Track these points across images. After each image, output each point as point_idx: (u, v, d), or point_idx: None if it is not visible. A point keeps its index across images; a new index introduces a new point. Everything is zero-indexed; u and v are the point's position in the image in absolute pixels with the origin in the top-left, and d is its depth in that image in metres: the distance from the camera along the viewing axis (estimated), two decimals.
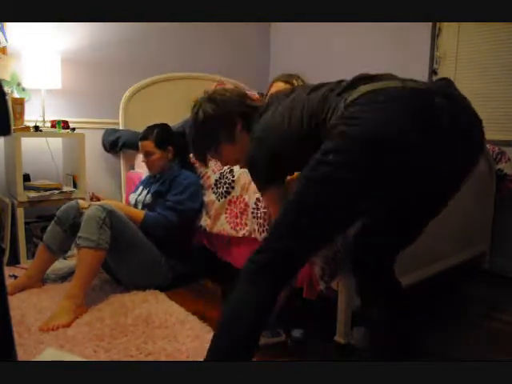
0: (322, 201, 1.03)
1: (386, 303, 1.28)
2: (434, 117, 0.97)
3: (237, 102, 1.32)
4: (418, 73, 2.76)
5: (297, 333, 1.64)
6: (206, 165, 1.48)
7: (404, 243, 1.27)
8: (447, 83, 1.09)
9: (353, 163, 0.98)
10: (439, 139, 0.98)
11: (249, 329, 1.07)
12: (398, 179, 1.02)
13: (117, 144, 2.88)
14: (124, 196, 2.95)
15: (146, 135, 2.25)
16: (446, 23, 2.66)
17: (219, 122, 1.30)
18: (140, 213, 2.08)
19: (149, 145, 2.22)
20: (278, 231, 1.11)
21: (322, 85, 1.19)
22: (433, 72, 2.73)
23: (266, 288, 1.08)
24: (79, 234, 1.84)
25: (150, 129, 2.27)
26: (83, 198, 2.54)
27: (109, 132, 2.95)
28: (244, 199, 1.90)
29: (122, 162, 3.03)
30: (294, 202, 1.08)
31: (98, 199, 2.15)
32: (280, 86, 2.13)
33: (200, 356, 1.48)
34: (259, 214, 1.79)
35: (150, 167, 2.28)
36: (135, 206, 2.23)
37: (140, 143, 2.26)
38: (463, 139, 1.03)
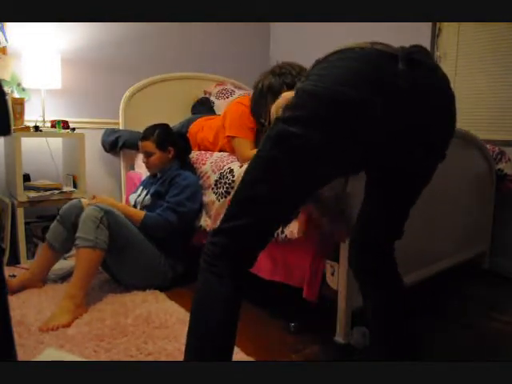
0: (276, 162, 0.95)
1: (388, 297, 1.23)
2: (391, 81, 0.94)
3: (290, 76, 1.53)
4: None
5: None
6: (265, 124, 1.61)
7: (394, 221, 1.23)
8: (420, 50, 1.06)
9: (306, 118, 0.93)
10: (396, 101, 0.94)
11: (219, 322, 1.00)
12: (352, 136, 0.95)
13: (116, 144, 2.88)
14: (124, 196, 2.95)
15: (146, 135, 2.25)
16: (446, 23, 2.67)
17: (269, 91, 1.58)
18: (140, 213, 2.08)
19: (149, 145, 2.23)
20: (234, 207, 1.01)
21: None
22: None
23: (228, 274, 0.99)
24: (77, 235, 1.84)
25: (151, 129, 2.27)
26: (84, 198, 2.55)
27: (108, 132, 2.95)
28: None
29: (121, 161, 3.03)
30: (249, 169, 1.00)
31: (98, 200, 2.14)
32: None
33: None
34: None
35: (149, 167, 2.28)
36: (135, 206, 2.23)
37: (140, 143, 2.27)
38: (425, 107, 0.98)
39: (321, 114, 0.93)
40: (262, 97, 1.63)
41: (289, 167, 0.95)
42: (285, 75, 1.56)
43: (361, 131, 0.95)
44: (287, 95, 1.23)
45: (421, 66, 0.99)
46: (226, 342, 1.02)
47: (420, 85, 0.97)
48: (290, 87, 1.42)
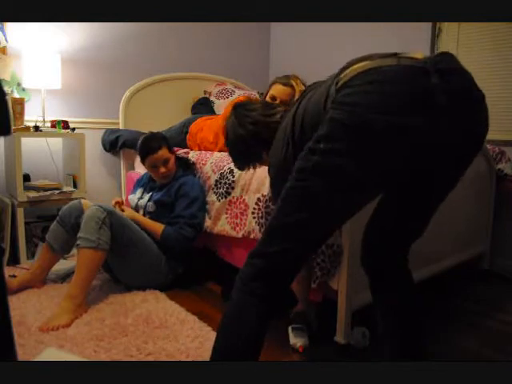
0: (315, 192, 0.97)
1: (400, 297, 1.22)
2: (428, 97, 0.92)
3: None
4: None
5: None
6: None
7: (415, 229, 1.23)
8: (446, 58, 1.01)
9: (345, 150, 0.93)
10: (436, 118, 0.93)
11: (246, 341, 1.02)
12: (393, 162, 0.96)
13: (116, 143, 2.88)
14: (124, 196, 2.95)
15: (157, 146, 2.13)
16: (446, 23, 2.67)
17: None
18: (158, 227, 2.07)
19: (165, 152, 2.15)
20: (272, 232, 1.05)
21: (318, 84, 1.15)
22: None
23: (261, 295, 1.02)
24: (79, 235, 1.84)
25: (155, 140, 2.17)
26: (83, 199, 2.55)
27: (109, 132, 2.95)
28: (244, 200, 1.90)
29: (121, 161, 3.03)
30: (287, 197, 1.02)
31: (122, 209, 2.10)
32: (279, 88, 2.13)
33: (200, 356, 1.48)
34: (260, 214, 1.79)
35: (168, 175, 2.18)
36: (135, 209, 2.22)
37: (153, 156, 2.13)
38: (463, 116, 0.97)
39: (360, 146, 0.92)
40: (250, 147, 1.37)
41: (328, 197, 0.97)
42: (249, 117, 1.36)
43: (402, 158, 0.95)
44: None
45: (452, 75, 0.97)
46: (250, 358, 1.03)
47: (457, 96, 0.95)
48: (260, 124, 1.31)
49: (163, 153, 2.14)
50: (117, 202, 2.13)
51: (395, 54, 0.99)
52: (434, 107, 0.92)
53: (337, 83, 0.98)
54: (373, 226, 1.22)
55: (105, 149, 2.98)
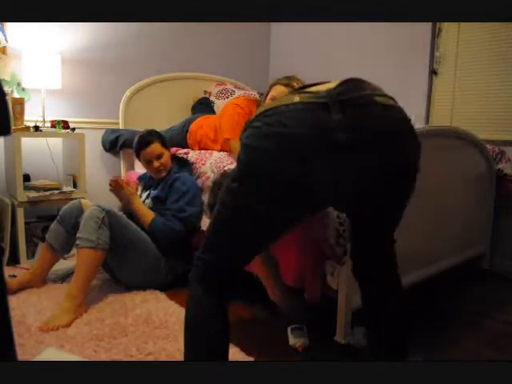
0: (233, 224, 1.05)
1: (386, 299, 1.23)
2: (327, 136, 0.90)
3: None
4: (418, 73, 2.77)
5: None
6: None
7: (384, 232, 1.22)
8: (349, 87, 0.95)
9: (248, 192, 0.99)
10: (337, 158, 0.92)
11: (208, 339, 1.06)
12: (297, 204, 1.00)
13: (116, 143, 2.88)
14: None
15: (149, 140, 2.19)
16: (446, 23, 2.67)
17: None
18: (149, 215, 2.07)
19: (157, 147, 2.19)
20: (205, 243, 1.12)
21: None
22: (433, 72, 2.74)
23: (207, 298, 1.08)
24: (78, 235, 1.84)
25: (147, 134, 2.22)
26: (84, 198, 2.55)
27: (108, 132, 2.95)
28: None
29: (121, 161, 3.03)
30: (214, 220, 1.10)
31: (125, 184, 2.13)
32: (280, 89, 2.13)
33: None
34: None
35: (161, 170, 2.21)
36: None
37: (145, 151, 2.18)
38: (369, 152, 0.94)
39: (258, 190, 0.97)
40: None
41: (244, 229, 1.05)
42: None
43: (304, 199, 0.98)
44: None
45: (355, 106, 0.92)
46: (218, 351, 1.07)
47: (357, 131, 0.91)
48: None
49: (155, 147, 2.18)
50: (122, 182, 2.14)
51: (301, 88, 0.99)
52: (334, 147, 0.90)
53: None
54: (352, 238, 1.25)
55: (105, 149, 2.98)
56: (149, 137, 2.20)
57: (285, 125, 0.91)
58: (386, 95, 0.98)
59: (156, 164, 2.19)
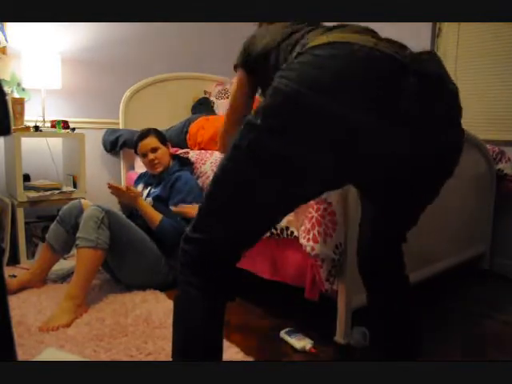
0: (247, 179, 0.84)
1: (394, 299, 1.20)
2: (391, 100, 0.79)
3: None
4: None
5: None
6: None
7: (400, 231, 1.18)
8: (433, 58, 0.86)
9: (282, 126, 0.80)
10: (393, 125, 0.81)
11: (199, 337, 0.92)
12: (334, 153, 0.82)
13: (117, 143, 2.88)
14: None
15: (146, 134, 2.25)
16: (446, 23, 2.67)
17: None
18: (157, 216, 2.06)
19: (153, 140, 2.23)
20: (200, 218, 0.92)
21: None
22: None
23: (202, 288, 0.91)
24: (78, 235, 1.84)
25: (147, 129, 2.28)
26: (84, 198, 2.55)
27: (109, 132, 2.96)
28: None
29: (122, 162, 3.03)
30: (218, 180, 0.90)
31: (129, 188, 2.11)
32: None
33: None
34: None
35: (157, 164, 2.23)
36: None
37: (141, 143, 2.23)
38: (431, 132, 0.85)
39: (296, 125, 0.80)
40: None
41: (262, 187, 0.85)
42: None
43: (342, 150, 0.82)
44: None
45: (431, 79, 0.83)
46: (207, 353, 0.94)
47: (426, 106, 0.82)
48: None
49: (151, 140, 2.23)
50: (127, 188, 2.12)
51: (375, 33, 0.88)
52: (393, 113, 0.80)
53: (303, 45, 0.89)
54: (362, 232, 1.21)
55: (105, 149, 2.98)
56: (147, 131, 2.27)
57: (350, 62, 0.79)
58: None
59: (151, 156, 2.22)
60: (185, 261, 0.93)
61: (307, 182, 0.86)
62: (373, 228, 1.15)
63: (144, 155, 2.24)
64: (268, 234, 1.73)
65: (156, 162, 2.22)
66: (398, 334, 1.17)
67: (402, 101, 0.80)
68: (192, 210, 2.02)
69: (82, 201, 2.11)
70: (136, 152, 2.30)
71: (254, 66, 1.18)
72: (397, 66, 0.80)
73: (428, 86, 0.82)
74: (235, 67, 1.25)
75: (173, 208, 2.08)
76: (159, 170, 2.25)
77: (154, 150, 2.22)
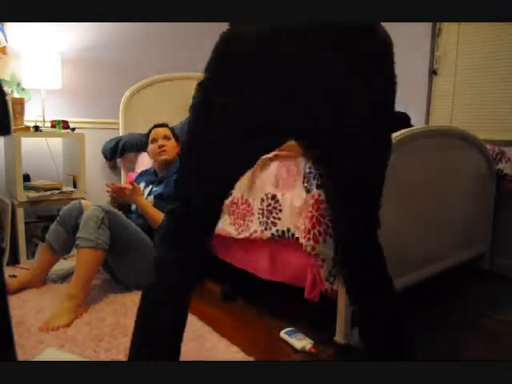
0: (202, 135, 0.98)
1: (377, 298, 1.15)
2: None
3: None
4: (418, 73, 2.77)
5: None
6: None
7: (358, 215, 1.13)
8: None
9: (215, 83, 0.96)
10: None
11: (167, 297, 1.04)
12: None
13: (117, 149, 2.88)
14: None
15: (162, 124, 2.37)
16: (446, 23, 2.67)
17: None
18: (159, 215, 2.04)
19: (167, 131, 2.33)
20: (177, 183, 1.05)
21: None
22: (433, 72, 2.74)
23: (179, 250, 1.02)
24: (78, 235, 1.84)
25: (162, 123, 2.39)
26: (83, 199, 2.55)
27: (108, 141, 2.96)
28: (246, 200, 1.90)
29: (122, 162, 3.03)
30: (181, 151, 1.05)
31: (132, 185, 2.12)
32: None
33: (200, 356, 1.48)
34: (265, 213, 1.78)
35: (163, 151, 2.26)
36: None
37: (156, 130, 2.32)
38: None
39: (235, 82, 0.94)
40: None
41: (213, 138, 0.96)
42: None
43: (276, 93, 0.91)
44: None
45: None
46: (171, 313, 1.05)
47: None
48: None
49: (165, 130, 2.33)
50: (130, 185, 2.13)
51: None
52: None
53: None
54: (335, 221, 1.19)
55: (105, 158, 2.97)
56: (163, 123, 2.39)
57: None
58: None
59: (161, 142, 2.27)
60: (164, 228, 1.05)
61: (253, 130, 0.95)
62: (341, 212, 1.13)
63: (154, 140, 2.29)
64: (269, 236, 1.73)
65: (164, 148, 2.26)
66: (381, 332, 1.13)
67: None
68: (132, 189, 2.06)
69: (82, 201, 2.10)
70: (139, 150, 2.34)
71: None
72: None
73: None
74: None
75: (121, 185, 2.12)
76: (164, 157, 2.26)
77: (166, 137, 2.29)
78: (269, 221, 1.74)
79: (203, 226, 1.05)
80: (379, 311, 1.14)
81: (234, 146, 0.96)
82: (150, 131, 2.34)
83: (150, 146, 2.31)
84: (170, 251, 1.03)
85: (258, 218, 1.81)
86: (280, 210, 1.70)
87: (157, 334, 1.05)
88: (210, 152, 0.97)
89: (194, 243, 1.04)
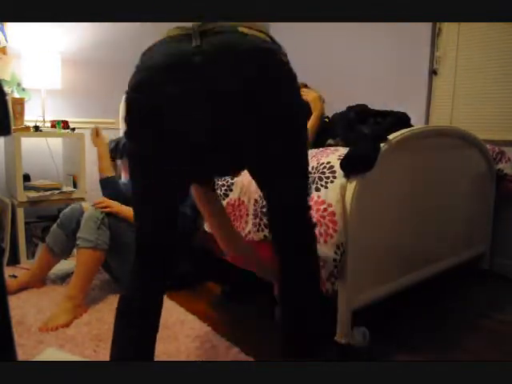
0: (134, 176, 1.07)
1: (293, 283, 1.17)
2: (185, 60, 0.91)
3: None
4: (418, 73, 2.76)
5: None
6: None
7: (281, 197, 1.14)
8: (217, 25, 0.94)
9: (132, 138, 1.04)
10: (193, 79, 0.92)
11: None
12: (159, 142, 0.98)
13: (116, 149, 2.87)
14: None
15: None
16: (446, 23, 2.67)
17: None
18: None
19: None
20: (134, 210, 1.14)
21: None
22: (433, 72, 2.73)
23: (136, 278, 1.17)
24: (78, 235, 1.84)
25: None
26: (83, 199, 2.55)
27: (108, 142, 2.95)
28: (243, 201, 1.90)
29: (121, 163, 3.02)
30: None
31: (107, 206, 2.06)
32: None
33: (200, 356, 1.48)
34: (258, 214, 1.79)
35: None
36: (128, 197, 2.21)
37: None
38: (225, 77, 0.92)
39: (131, 126, 1.01)
40: None
41: (138, 174, 1.06)
42: None
43: (158, 126, 0.96)
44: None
45: (215, 34, 0.93)
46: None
47: (215, 52, 0.91)
48: None
49: None
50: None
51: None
52: (190, 68, 0.91)
53: None
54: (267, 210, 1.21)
55: None
56: None
57: (151, 57, 0.96)
58: (257, 30, 0.97)
59: None
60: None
61: (157, 169, 1.02)
62: (267, 199, 1.16)
63: None
64: (261, 237, 1.73)
65: None
66: (295, 318, 1.15)
67: (188, 57, 0.91)
68: (116, 207, 1.98)
69: (83, 204, 2.10)
70: None
71: None
72: (183, 39, 0.93)
73: (211, 38, 0.92)
74: None
75: (94, 201, 2.02)
76: None
77: None
78: (262, 222, 1.74)
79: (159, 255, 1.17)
80: (296, 273, 1.16)
81: (159, 186, 1.05)
82: None
83: None
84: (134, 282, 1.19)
85: (252, 219, 1.81)
86: None
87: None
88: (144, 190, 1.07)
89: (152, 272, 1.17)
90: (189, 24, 0.97)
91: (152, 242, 1.14)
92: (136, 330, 1.07)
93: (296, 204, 1.13)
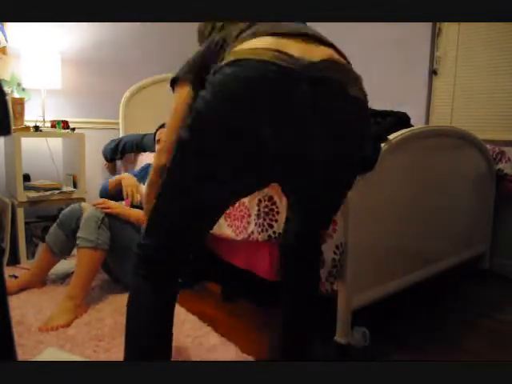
0: (185, 187, 0.98)
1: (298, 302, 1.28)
2: (288, 107, 0.90)
3: None
4: (418, 73, 2.77)
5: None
6: None
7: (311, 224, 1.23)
8: (328, 66, 0.94)
9: (202, 145, 0.94)
10: (297, 129, 0.92)
11: (146, 324, 1.04)
12: (248, 167, 0.96)
13: (117, 149, 2.88)
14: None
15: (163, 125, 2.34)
16: (446, 23, 2.67)
17: None
18: (138, 213, 2.05)
19: None
20: (152, 219, 1.04)
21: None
22: (433, 72, 2.74)
23: (152, 280, 1.04)
24: (78, 235, 1.84)
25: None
26: (83, 199, 2.55)
27: (108, 142, 2.96)
28: (244, 203, 1.90)
29: (122, 163, 3.03)
30: (161, 193, 1.02)
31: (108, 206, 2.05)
32: None
33: (200, 356, 1.48)
34: (261, 215, 1.78)
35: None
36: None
37: (163, 129, 2.29)
38: (330, 132, 0.95)
39: (210, 141, 0.93)
40: None
41: (196, 193, 0.97)
42: None
43: (250, 159, 0.95)
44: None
45: (326, 85, 0.92)
46: (152, 343, 1.04)
47: (322, 109, 0.92)
48: None
49: None
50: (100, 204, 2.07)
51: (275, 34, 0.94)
52: (291, 118, 0.91)
53: (222, 59, 0.99)
54: (288, 224, 1.27)
55: (106, 159, 2.97)
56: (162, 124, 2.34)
57: (252, 80, 0.89)
58: (358, 87, 1.01)
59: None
60: (136, 265, 1.08)
61: (232, 187, 1.00)
62: (297, 221, 1.22)
63: (159, 140, 2.27)
64: (266, 238, 1.73)
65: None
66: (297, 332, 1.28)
67: (295, 108, 0.90)
68: (117, 208, 1.96)
69: (83, 204, 2.10)
70: (138, 150, 2.31)
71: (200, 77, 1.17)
72: (291, 76, 0.89)
73: (322, 91, 0.92)
74: (175, 81, 1.14)
75: (92, 202, 2.01)
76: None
77: None
78: (265, 223, 1.74)
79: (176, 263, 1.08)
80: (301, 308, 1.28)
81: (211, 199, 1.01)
82: (158, 129, 2.32)
83: (156, 147, 2.31)
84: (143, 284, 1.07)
85: (255, 220, 1.81)
86: (277, 212, 1.69)
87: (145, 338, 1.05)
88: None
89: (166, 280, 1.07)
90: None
91: (173, 256, 1.07)
92: (160, 324, 1.06)
93: (322, 229, 1.26)
